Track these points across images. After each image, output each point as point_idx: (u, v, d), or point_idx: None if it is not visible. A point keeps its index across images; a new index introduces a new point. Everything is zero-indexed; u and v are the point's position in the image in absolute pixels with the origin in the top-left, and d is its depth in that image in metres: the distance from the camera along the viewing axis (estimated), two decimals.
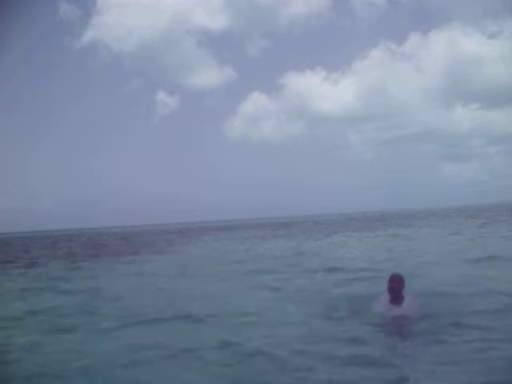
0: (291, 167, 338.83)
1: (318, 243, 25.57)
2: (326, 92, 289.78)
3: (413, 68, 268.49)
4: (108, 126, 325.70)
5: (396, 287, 6.96)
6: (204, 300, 9.55)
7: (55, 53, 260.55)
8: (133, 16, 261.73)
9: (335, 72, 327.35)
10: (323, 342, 6.23)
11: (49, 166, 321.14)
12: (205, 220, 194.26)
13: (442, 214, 69.87)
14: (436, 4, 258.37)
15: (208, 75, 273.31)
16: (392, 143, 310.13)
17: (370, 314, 7.23)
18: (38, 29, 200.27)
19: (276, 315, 7.99)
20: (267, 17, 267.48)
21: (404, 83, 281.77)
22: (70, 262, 21.07)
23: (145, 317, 8.15)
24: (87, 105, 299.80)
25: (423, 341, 6.08)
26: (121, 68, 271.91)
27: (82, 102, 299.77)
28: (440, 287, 9.12)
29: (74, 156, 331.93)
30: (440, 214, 66.52)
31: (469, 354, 5.44)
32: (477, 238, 21.45)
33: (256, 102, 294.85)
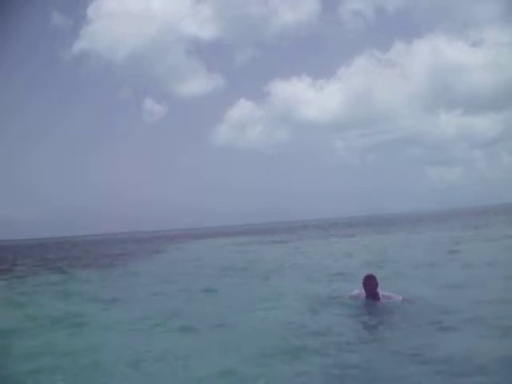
0: (277, 173, 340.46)
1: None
2: (312, 99, 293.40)
3: (397, 75, 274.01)
4: (99, 133, 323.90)
5: (371, 285, 7.81)
6: None
7: (47, 62, 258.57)
8: (123, 25, 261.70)
9: (321, 79, 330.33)
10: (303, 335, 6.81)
11: (35, 174, 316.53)
12: (187, 227, 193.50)
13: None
14: (420, 14, 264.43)
15: (197, 83, 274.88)
16: (377, 149, 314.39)
17: (348, 309, 8.07)
18: (30, 39, 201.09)
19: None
20: (256, 26, 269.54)
21: (389, 90, 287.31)
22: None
23: None
24: (78, 113, 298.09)
25: (395, 333, 6.75)
26: (112, 76, 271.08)
27: (72, 110, 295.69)
28: None
29: (62, 163, 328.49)
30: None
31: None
32: None
33: (243, 108, 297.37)
